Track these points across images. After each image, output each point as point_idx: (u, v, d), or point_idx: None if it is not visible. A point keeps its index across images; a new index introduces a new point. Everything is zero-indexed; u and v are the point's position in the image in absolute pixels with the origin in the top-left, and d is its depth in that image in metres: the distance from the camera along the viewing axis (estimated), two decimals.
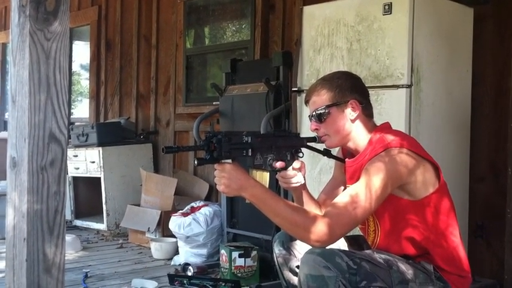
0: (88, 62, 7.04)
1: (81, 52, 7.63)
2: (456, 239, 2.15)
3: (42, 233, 1.80)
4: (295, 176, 2.17)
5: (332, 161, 2.45)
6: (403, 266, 2.05)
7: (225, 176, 1.92)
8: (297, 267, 2.19)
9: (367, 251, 2.13)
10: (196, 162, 1.90)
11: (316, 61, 3.43)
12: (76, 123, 6.44)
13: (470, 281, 2.20)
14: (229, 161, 1.94)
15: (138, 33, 6.29)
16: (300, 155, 2.19)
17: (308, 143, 2.22)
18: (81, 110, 8.23)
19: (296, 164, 2.16)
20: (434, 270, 2.10)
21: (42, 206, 1.80)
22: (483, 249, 3.55)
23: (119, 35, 6.53)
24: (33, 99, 1.83)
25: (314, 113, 2.20)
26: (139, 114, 6.30)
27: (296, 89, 3.56)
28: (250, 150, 2.01)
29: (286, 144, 2.15)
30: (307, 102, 2.26)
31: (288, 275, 2.30)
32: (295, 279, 2.24)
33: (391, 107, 3.03)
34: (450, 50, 3.27)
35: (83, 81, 8.71)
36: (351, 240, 2.37)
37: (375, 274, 1.96)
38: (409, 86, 3.00)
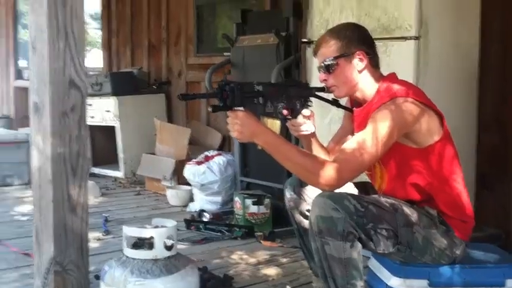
0: (96, 11, 6.99)
1: (89, 1, 7.61)
2: (459, 186, 2.21)
3: (66, 174, 1.88)
4: (304, 124, 2.26)
5: (342, 111, 2.51)
6: (408, 210, 2.12)
7: (238, 123, 2.01)
8: (307, 210, 2.28)
9: (375, 196, 2.21)
10: (211, 109, 1.98)
11: (326, 12, 3.43)
12: (89, 73, 6.47)
13: (472, 225, 2.26)
14: (241, 108, 2.02)
15: None
16: (309, 104, 2.27)
17: (317, 93, 2.30)
18: (90, 59, 8.24)
19: (305, 112, 2.24)
20: (437, 214, 2.17)
21: (65, 149, 1.88)
22: (488, 199, 3.57)
23: None
24: (52, 47, 1.88)
25: (322, 64, 2.24)
26: (151, 64, 6.31)
27: (306, 40, 3.58)
28: (261, 98, 2.09)
29: (296, 93, 2.22)
30: (315, 53, 2.30)
31: (299, 217, 2.41)
32: (305, 222, 2.34)
33: (399, 59, 3.06)
34: (458, 2, 3.27)
35: (90, 30, 8.72)
36: (359, 185, 2.45)
37: (381, 217, 2.04)
38: (417, 38, 3.02)
